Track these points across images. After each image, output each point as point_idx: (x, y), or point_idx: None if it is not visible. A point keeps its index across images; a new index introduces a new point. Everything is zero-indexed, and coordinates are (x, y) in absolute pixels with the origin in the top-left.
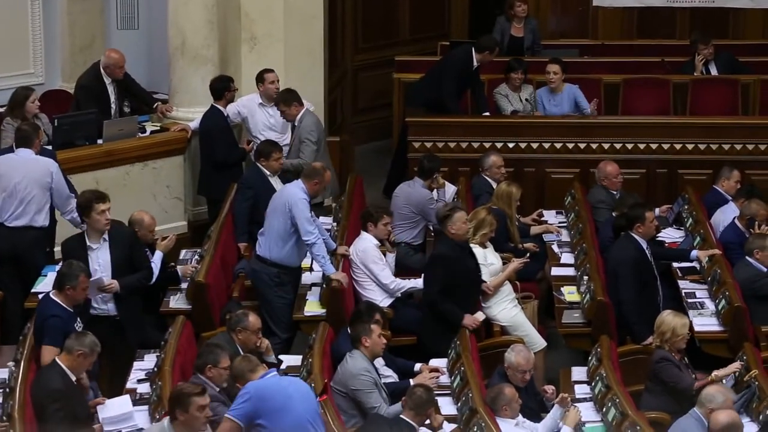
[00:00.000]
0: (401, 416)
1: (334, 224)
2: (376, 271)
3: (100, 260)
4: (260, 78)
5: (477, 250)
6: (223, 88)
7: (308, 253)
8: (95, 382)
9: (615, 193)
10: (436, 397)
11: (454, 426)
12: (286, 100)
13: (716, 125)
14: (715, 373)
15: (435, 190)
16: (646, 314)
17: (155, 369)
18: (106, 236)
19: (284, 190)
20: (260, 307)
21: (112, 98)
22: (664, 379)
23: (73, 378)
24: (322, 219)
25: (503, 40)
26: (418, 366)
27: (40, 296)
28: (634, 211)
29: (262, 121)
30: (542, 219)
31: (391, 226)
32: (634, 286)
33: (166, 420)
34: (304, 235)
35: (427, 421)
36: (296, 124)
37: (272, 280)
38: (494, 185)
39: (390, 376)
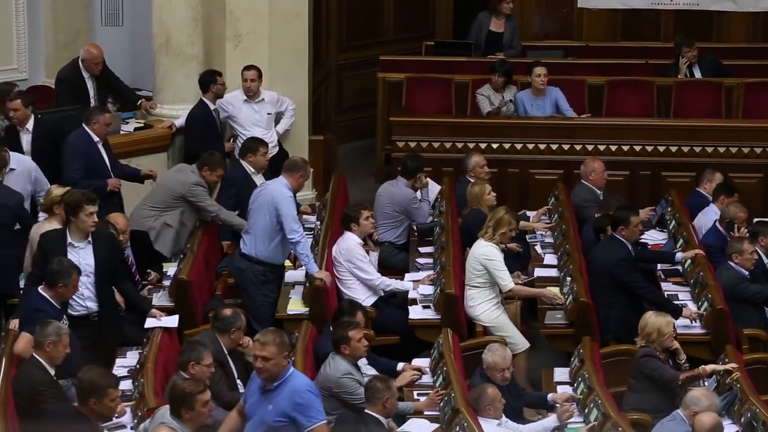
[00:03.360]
0: (366, 411)
1: (318, 223)
2: (361, 269)
3: (83, 261)
4: (241, 74)
5: (497, 251)
6: (208, 81)
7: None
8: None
9: (599, 192)
10: (393, 385)
11: (436, 426)
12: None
13: (699, 128)
14: (703, 366)
15: (419, 190)
16: (632, 316)
17: (137, 366)
18: (90, 238)
19: (267, 187)
20: (243, 305)
21: (92, 93)
22: (647, 373)
23: (52, 372)
24: (305, 218)
25: (481, 34)
26: (400, 365)
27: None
28: (621, 213)
29: (248, 116)
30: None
31: (372, 218)
32: (640, 276)
33: (165, 413)
34: (289, 233)
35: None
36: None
37: (258, 278)
38: None
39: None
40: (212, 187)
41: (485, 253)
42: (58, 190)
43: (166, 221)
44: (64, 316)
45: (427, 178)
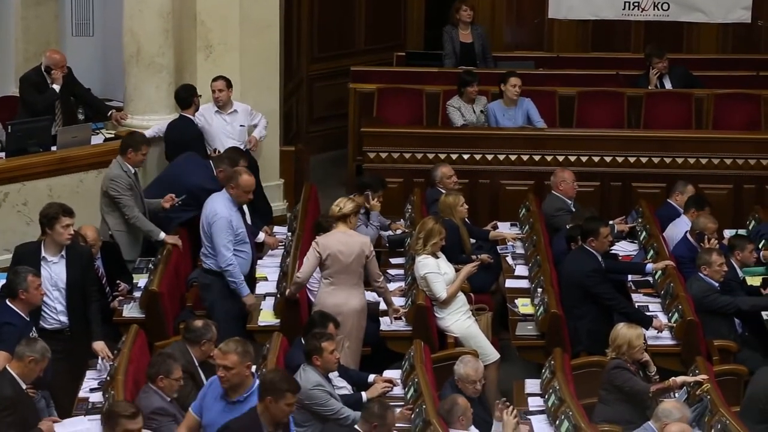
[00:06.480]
0: (356, 427)
1: (289, 234)
2: None
3: (55, 276)
4: (210, 85)
5: (429, 260)
6: (190, 95)
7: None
8: (47, 391)
9: (570, 201)
10: (389, 413)
11: None
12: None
13: (670, 139)
14: (673, 378)
15: (371, 211)
16: (602, 328)
17: (108, 378)
18: (64, 252)
19: (207, 202)
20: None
21: (57, 102)
22: (619, 385)
23: (24, 385)
24: (276, 228)
25: (454, 47)
26: (371, 377)
27: None
28: (590, 224)
29: (220, 128)
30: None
31: None
32: (609, 287)
33: None
34: (219, 260)
35: None
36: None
37: (222, 291)
38: None
39: (344, 387)
40: (140, 168)
41: (420, 267)
42: (349, 204)
43: (114, 227)
44: (33, 328)
45: (379, 201)
